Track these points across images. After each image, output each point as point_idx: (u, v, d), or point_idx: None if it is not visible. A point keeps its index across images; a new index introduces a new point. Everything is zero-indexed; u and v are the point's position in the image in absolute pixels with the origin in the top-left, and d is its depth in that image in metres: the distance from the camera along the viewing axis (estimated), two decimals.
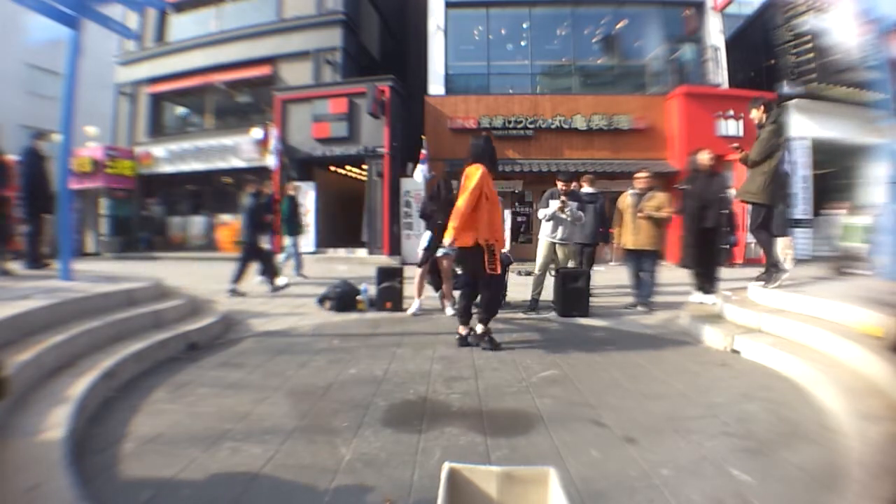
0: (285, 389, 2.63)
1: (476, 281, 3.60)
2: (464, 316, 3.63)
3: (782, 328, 3.41)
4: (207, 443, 1.96)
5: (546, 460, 1.75)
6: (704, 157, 5.03)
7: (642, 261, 5.14)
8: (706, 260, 5.02)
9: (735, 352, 3.39)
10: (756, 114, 4.19)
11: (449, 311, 4.82)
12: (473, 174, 3.39)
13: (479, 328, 3.52)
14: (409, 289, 5.36)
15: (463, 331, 3.60)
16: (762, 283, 4.22)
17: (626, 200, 5.31)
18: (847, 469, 1.71)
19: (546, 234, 5.09)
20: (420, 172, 11.19)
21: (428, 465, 1.78)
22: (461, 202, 3.35)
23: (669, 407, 2.38)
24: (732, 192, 5.49)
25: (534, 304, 5.08)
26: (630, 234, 5.17)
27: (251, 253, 6.21)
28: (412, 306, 4.87)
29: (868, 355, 2.52)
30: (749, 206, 4.49)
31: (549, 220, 5.03)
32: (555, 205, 4.90)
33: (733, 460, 1.82)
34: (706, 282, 5.07)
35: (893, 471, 1.63)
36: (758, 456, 1.86)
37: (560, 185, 4.95)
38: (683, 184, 5.31)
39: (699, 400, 2.48)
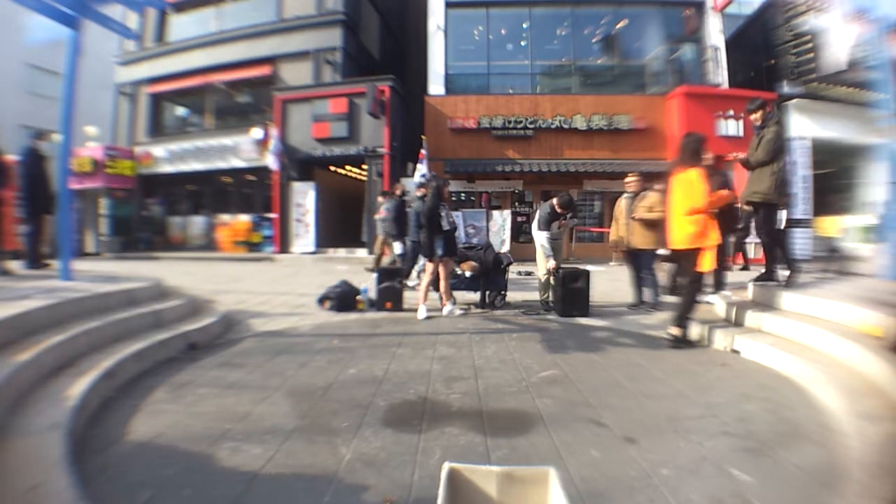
0: (285, 389, 2.63)
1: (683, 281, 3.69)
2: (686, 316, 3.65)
3: (782, 328, 3.41)
4: (207, 443, 1.96)
5: (546, 460, 1.76)
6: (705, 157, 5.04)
7: (641, 261, 5.15)
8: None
9: (735, 352, 3.39)
10: (757, 115, 4.19)
11: (457, 311, 4.80)
12: (696, 178, 3.41)
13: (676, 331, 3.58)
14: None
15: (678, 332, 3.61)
16: (763, 282, 4.23)
17: (620, 203, 5.39)
18: (847, 469, 1.71)
19: (542, 243, 5.17)
20: (420, 174, 11.20)
21: (428, 465, 1.78)
22: (699, 207, 3.38)
23: (669, 407, 2.38)
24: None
25: (546, 306, 5.14)
26: (626, 236, 5.22)
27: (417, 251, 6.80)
28: (421, 311, 4.73)
29: (868, 355, 2.52)
30: (751, 208, 4.49)
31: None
32: (555, 226, 5.14)
33: (733, 460, 1.82)
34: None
35: (893, 471, 1.63)
36: (758, 456, 1.86)
37: (559, 209, 5.05)
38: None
39: (699, 400, 2.48)
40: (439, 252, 4.73)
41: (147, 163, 15.41)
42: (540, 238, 5.12)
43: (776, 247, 4.44)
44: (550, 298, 5.15)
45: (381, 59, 15.79)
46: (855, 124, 11.08)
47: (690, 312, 3.65)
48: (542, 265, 5.20)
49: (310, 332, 4.17)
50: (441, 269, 4.84)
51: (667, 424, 2.17)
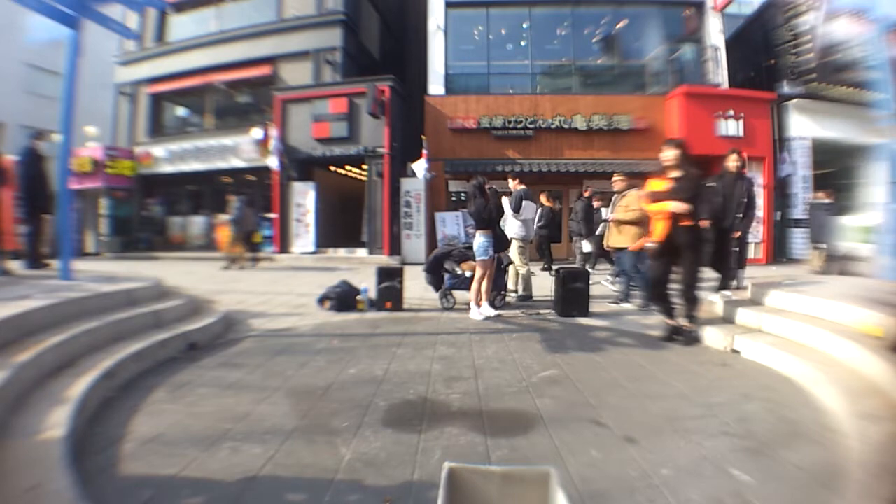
0: (285, 389, 2.63)
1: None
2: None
3: (782, 328, 3.41)
4: (207, 443, 1.95)
5: (546, 460, 1.76)
6: (732, 160, 5.08)
7: (621, 260, 5.27)
8: (720, 259, 5.04)
9: (735, 352, 3.39)
10: None
11: (492, 311, 4.76)
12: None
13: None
14: (411, 289, 5.36)
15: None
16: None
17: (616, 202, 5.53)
18: (847, 469, 1.71)
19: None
20: (420, 167, 11.22)
21: (428, 465, 1.78)
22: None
23: (669, 407, 2.38)
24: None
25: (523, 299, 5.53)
26: (615, 234, 5.32)
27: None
28: (476, 313, 4.68)
29: (868, 355, 2.52)
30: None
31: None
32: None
33: (733, 460, 1.82)
34: (720, 281, 5.11)
35: (893, 471, 1.62)
36: (758, 456, 1.86)
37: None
38: (711, 181, 5.36)
39: (699, 400, 2.48)
40: (490, 252, 4.72)
41: (147, 163, 15.39)
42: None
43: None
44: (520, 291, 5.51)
45: (381, 59, 15.78)
46: (855, 124, 11.07)
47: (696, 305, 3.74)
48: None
49: (310, 332, 4.17)
50: (488, 270, 4.82)
51: (667, 424, 2.17)
